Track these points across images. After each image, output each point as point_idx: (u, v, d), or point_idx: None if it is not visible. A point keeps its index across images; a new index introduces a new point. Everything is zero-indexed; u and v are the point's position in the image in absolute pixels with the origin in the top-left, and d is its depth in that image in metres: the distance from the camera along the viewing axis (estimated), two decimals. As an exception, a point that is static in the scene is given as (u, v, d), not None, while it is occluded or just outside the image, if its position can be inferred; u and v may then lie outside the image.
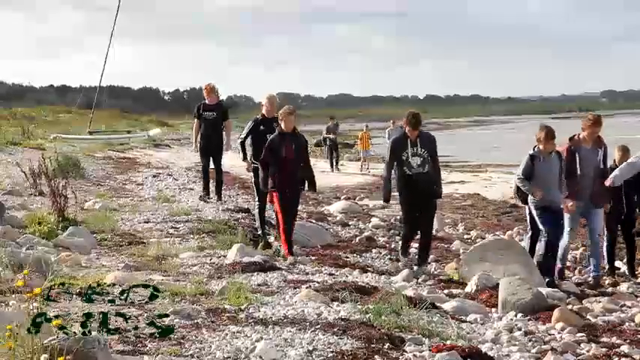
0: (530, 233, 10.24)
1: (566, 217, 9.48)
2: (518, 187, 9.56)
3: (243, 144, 10.90)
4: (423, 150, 9.52)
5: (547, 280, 9.03)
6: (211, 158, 13.99)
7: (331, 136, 29.53)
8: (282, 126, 9.67)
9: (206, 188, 14.22)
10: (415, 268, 9.42)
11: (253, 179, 10.78)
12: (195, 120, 14.16)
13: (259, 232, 10.69)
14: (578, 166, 9.50)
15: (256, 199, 10.85)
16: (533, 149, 9.34)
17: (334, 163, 29.02)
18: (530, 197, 9.40)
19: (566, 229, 9.51)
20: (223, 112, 14.09)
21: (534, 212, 9.46)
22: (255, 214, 11.07)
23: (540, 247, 9.38)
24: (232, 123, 15.03)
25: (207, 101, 14.00)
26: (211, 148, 13.92)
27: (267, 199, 10.25)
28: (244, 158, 10.93)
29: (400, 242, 10.27)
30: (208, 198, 13.95)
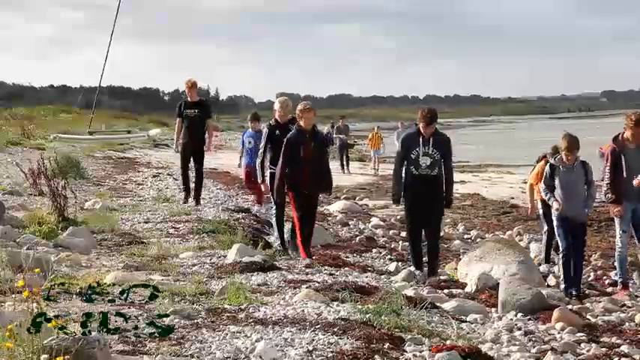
0: (545, 235, 10.34)
1: (617, 220, 9.09)
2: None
3: (262, 163, 10.12)
4: (434, 151, 8.91)
5: (572, 292, 8.73)
6: (192, 159, 13.26)
7: (342, 136, 29.40)
8: (302, 123, 9.15)
9: (186, 194, 13.51)
10: (422, 274, 8.97)
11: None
12: (178, 119, 13.36)
13: (278, 243, 10.13)
14: (624, 167, 8.94)
15: (273, 207, 10.30)
16: (554, 158, 8.98)
17: (345, 165, 28.63)
18: (552, 209, 9.01)
19: (618, 232, 9.06)
20: (205, 109, 13.36)
21: (554, 223, 9.09)
22: (273, 223, 10.52)
23: (558, 264, 9.25)
24: (213, 122, 14.39)
25: (188, 98, 13.26)
26: (192, 147, 13.16)
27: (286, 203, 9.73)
28: (262, 180, 10.25)
29: (409, 253, 9.57)
30: (197, 203, 13.19)
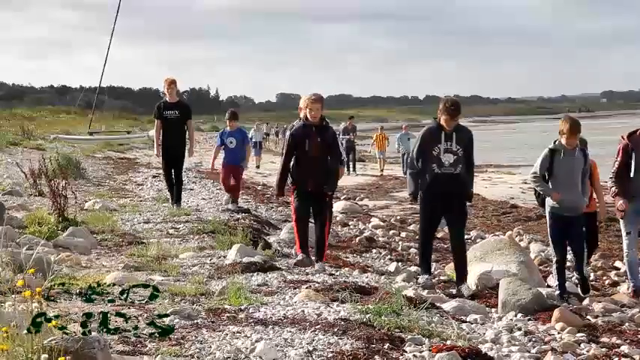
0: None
1: (622, 222, 8.61)
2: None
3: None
4: (458, 147, 8.14)
5: (564, 297, 8.25)
6: (173, 162, 12.71)
7: (349, 137, 29.20)
8: (308, 115, 8.55)
9: (172, 196, 12.94)
10: (428, 279, 8.38)
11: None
12: (157, 121, 12.76)
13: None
14: (633, 167, 8.38)
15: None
16: (554, 142, 8.29)
17: (352, 166, 28.18)
18: (547, 200, 8.34)
19: (624, 236, 8.60)
20: (185, 110, 12.78)
21: (547, 220, 8.42)
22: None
23: (553, 271, 8.60)
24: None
25: (167, 99, 12.76)
26: (173, 150, 12.68)
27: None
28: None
29: (419, 255, 8.83)
30: (178, 206, 12.70)
